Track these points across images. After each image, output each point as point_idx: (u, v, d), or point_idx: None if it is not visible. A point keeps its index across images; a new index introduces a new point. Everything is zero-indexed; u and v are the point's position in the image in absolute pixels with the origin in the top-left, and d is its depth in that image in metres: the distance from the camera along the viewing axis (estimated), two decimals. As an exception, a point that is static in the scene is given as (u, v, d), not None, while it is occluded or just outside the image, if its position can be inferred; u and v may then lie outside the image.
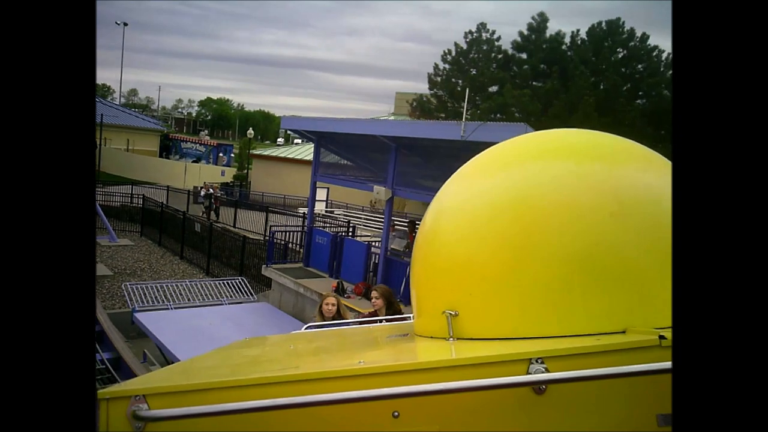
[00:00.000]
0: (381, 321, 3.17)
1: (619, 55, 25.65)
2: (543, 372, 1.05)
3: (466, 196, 1.47)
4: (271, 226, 15.59)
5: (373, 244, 12.00)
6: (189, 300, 12.19)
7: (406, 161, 10.85)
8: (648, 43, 25.43)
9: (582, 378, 0.99)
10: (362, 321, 3.80)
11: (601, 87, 24.04)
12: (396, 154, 10.51)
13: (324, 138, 12.73)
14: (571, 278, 1.18)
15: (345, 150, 13.01)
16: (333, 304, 5.15)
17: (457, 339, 1.33)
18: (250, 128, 36.99)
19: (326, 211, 25.03)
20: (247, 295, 13.02)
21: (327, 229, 14.93)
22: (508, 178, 1.40)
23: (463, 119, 8.62)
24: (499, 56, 27.30)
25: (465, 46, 27.55)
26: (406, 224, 14.09)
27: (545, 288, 1.20)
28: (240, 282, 13.34)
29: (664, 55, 25.12)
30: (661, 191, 1.20)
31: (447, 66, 27.89)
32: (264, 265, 13.24)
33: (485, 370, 1.06)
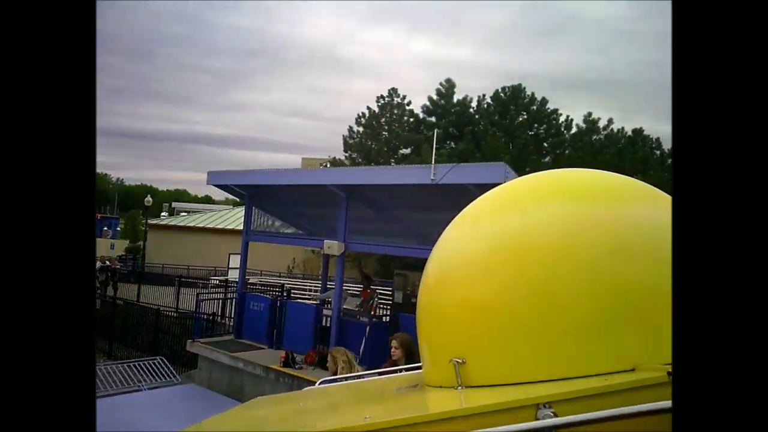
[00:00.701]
0: (399, 371, 3.04)
1: (522, 118, 27.13)
2: (551, 417, 1.04)
3: (467, 242, 1.46)
4: (198, 295, 13.76)
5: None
6: (97, 388, 10.05)
7: (359, 212, 10.03)
8: (547, 106, 27.22)
9: (591, 421, 0.99)
10: (380, 372, 3.71)
11: (511, 147, 25.05)
12: (347, 204, 9.59)
13: (258, 193, 11.54)
14: (578, 319, 1.18)
15: (281, 206, 11.88)
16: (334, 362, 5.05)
17: (466, 387, 1.31)
18: (148, 195, 34.44)
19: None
20: (168, 377, 11.06)
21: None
22: (509, 222, 1.39)
23: (432, 162, 7.93)
24: (411, 119, 27.82)
25: (377, 110, 27.85)
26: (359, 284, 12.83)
27: (552, 330, 1.19)
28: (159, 363, 11.34)
29: (562, 118, 26.94)
30: (663, 226, 1.17)
31: (360, 129, 27.92)
32: (189, 341, 11.41)
33: (493, 418, 1.05)
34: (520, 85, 27.47)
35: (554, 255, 1.22)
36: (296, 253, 28.19)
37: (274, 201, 11.88)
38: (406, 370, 2.81)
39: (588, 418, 0.97)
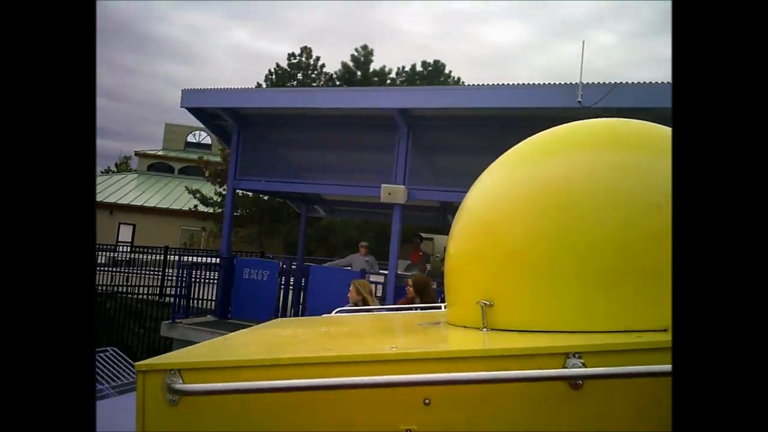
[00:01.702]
0: (416, 309, 2.98)
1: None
2: (580, 367, 1.03)
3: (506, 184, 1.44)
4: (178, 261, 10.20)
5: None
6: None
7: (422, 148, 7.93)
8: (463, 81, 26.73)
9: (621, 375, 0.98)
10: (395, 308, 3.62)
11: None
12: (408, 139, 7.62)
13: (252, 124, 8.84)
14: (613, 271, 1.16)
15: (286, 144, 9.30)
16: (350, 291, 5.13)
17: (491, 330, 1.31)
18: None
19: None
20: (129, 371, 8.05)
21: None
22: (552, 166, 1.37)
23: (580, 82, 6.39)
24: (321, 83, 25.47)
25: (288, 69, 25.01)
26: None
27: (586, 281, 1.18)
28: (111, 355, 8.17)
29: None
30: None
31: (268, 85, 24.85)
32: (167, 322, 8.44)
33: (520, 363, 1.05)
34: (438, 61, 26.56)
35: (596, 204, 1.20)
36: (175, 232, 24.45)
37: (277, 135, 9.15)
38: (424, 308, 2.80)
39: (619, 371, 0.97)
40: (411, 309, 3.01)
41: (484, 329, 1.29)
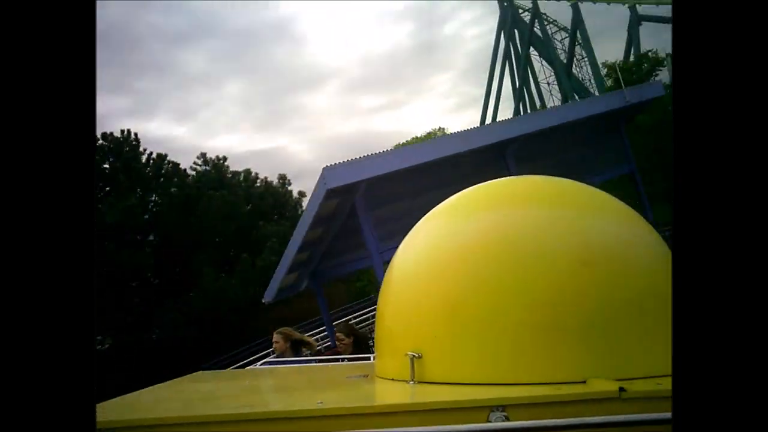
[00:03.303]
0: (343, 360, 3.00)
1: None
2: (503, 420, 1.05)
3: (437, 237, 1.46)
4: None
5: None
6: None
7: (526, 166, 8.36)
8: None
9: (541, 428, 0.99)
10: (323, 359, 3.67)
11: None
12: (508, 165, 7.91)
13: (371, 191, 8.03)
14: (537, 325, 1.17)
15: (405, 199, 8.77)
16: (276, 342, 4.95)
17: (419, 382, 1.30)
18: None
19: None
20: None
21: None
22: (481, 221, 1.40)
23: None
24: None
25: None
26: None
27: (511, 334, 1.19)
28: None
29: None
30: (630, 242, 1.24)
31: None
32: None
33: (446, 416, 1.06)
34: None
35: (523, 259, 1.22)
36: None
37: (394, 195, 8.56)
38: (352, 359, 2.81)
39: (540, 425, 0.97)
40: (339, 360, 3.02)
41: (412, 382, 1.29)
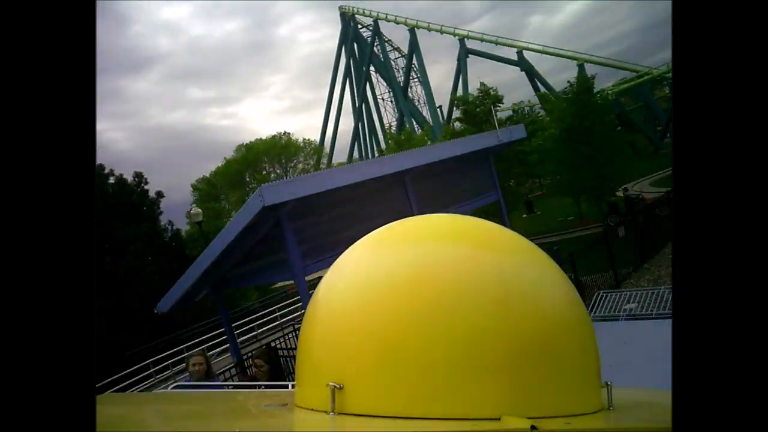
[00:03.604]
0: (260, 387, 3.08)
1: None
2: None
3: (361, 268, 1.47)
4: None
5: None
6: None
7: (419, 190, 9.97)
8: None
9: None
10: (239, 385, 3.63)
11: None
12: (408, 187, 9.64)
13: (297, 210, 8.67)
14: (455, 362, 1.20)
15: (329, 220, 9.51)
16: (200, 364, 4.93)
17: (339, 414, 1.30)
18: None
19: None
20: None
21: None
22: (405, 253, 1.42)
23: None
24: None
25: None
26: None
27: (429, 369, 1.20)
28: None
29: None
30: (542, 283, 1.31)
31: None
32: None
33: None
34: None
35: (444, 294, 1.24)
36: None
37: (318, 214, 9.12)
38: (269, 386, 2.86)
39: None
40: (256, 387, 2.95)
41: (332, 413, 1.29)
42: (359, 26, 66.62)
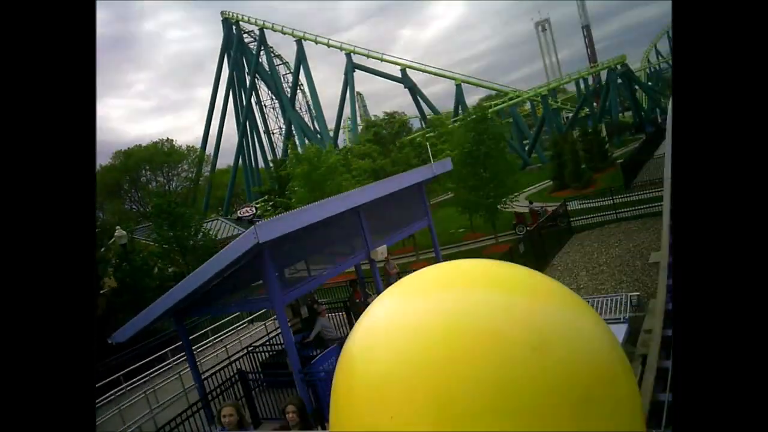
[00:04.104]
0: None
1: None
2: None
3: (394, 316, 1.40)
4: None
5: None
6: None
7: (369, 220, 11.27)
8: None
9: None
10: None
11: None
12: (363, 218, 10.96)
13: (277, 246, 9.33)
14: (490, 411, 1.14)
15: (302, 249, 10.53)
16: (231, 415, 5.02)
17: None
18: None
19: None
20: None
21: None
22: (439, 301, 1.36)
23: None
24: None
25: None
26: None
27: (465, 418, 1.15)
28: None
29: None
30: (581, 328, 1.23)
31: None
32: None
33: None
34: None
35: (478, 342, 1.18)
36: None
37: (294, 246, 10.04)
38: None
39: None
40: None
41: None
42: (243, 32, 65.54)
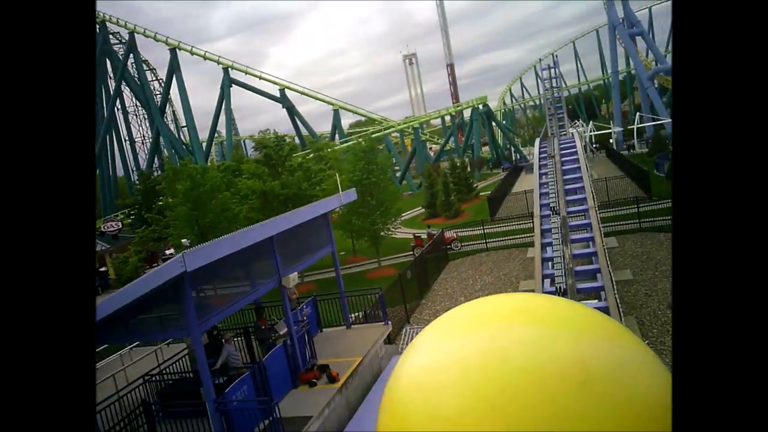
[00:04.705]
0: None
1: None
2: None
3: (432, 356, 1.33)
4: None
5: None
6: None
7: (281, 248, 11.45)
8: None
9: None
10: None
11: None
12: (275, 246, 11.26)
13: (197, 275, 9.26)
14: None
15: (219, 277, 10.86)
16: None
17: None
18: None
19: None
20: None
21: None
22: (477, 337, 1.30)
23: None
24: None
25: None
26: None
27: None
28: None
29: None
30: (627, 364, 1.18)
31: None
32: None
33: None
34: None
35: (521, 379, 1.13)
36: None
37: (209, 274, 10.15)
38: None
39: None
40: None
41: None
42: (109, 33, 61.07)
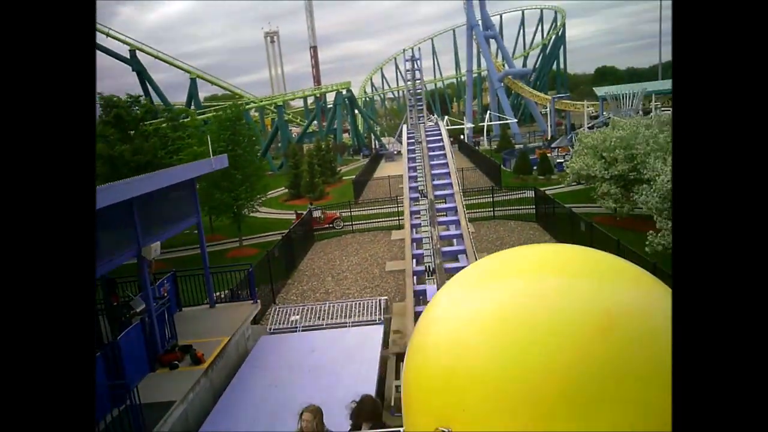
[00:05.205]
0: None
1: None
2: None
3: (457, 307, 1.41)
4: None
5: None
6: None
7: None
8: None
9: None
10: None
11: None
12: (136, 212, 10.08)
13: None
14: (561, 394, 1.15)
15: None
16: (308, 420, 5.19)
17: None
18: None
19: None
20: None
21: None
22: (502, 290, 1.37)
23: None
24: None
25: None
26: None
27: (536, 404, 1.16)
28: None
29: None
30: (650, 306, 1.23)
31: None
32: None
33: None
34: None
35: (544, 328, 1.19)
36: None
37: None
38: None
39: None
40: None
41: None
42: None
